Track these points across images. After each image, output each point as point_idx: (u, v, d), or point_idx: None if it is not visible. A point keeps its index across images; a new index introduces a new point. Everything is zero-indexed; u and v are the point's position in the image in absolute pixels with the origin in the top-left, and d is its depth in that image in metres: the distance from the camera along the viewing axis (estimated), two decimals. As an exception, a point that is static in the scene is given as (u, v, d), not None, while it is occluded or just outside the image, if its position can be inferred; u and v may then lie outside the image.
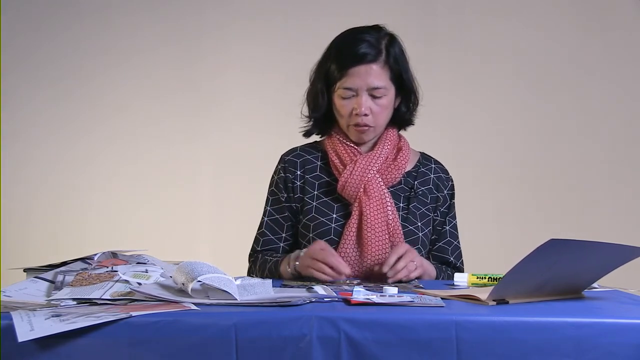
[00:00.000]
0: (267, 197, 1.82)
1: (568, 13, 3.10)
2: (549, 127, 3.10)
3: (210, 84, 3.18)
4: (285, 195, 1.78)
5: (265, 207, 1.81)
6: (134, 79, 3.20)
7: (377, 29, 1.74)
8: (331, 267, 1.50)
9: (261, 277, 1.63)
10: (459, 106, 3.12)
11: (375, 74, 1.68)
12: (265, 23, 3.18)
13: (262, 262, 1.74)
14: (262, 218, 1.81)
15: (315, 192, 1.76)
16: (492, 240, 2.91)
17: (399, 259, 1.55)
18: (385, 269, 1.54)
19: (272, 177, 1.83)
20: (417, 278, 1.60)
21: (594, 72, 3.08)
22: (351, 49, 1.69)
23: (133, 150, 3.19)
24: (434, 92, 3.05)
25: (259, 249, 1.79)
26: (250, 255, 1.81)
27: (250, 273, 1.79)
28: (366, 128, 1.71)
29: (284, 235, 1.77)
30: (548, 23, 3.11)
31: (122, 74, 3.20)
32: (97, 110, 3.20)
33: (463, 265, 1.83)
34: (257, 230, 1.81)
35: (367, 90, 1.68)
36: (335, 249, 1.67)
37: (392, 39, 1.73)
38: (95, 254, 1.36)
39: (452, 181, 1.85)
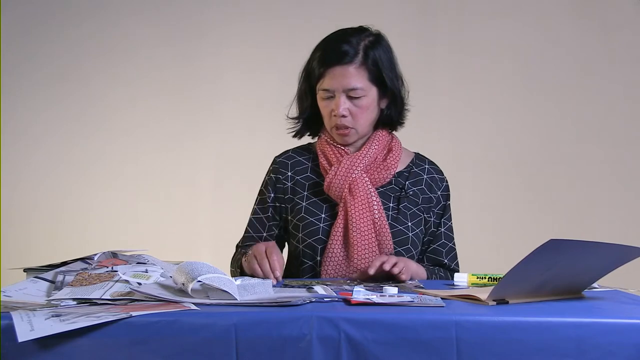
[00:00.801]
0: (257, 196, 1.86)
1: (568, 13, 3.10)
2: (549, 127, 3.10)
3: (210, 84, 3.18)
4: (273, 195, 1.81)
5: (254, 207, 1.86)
6: (134, 79, 3.20)
7: (360, 30, 1.74)
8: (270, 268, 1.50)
9: (234, 271, 1.73)
10: (459, 106, 3.12)
11: (351, 76, 1.68)
12: (266, 23, 3.18)
13: (237, 256, 1.79)
14: (250, 216, 1.85)
15: (305, 193, 1.77)
16: (492, 240, 2.91)
17: (382, 263, 1.54)
18: (371, 271, 1.53)
19: (264, 178, 1.86)
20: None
21: (594, 72, 3.08)
22: (330, 49, 1.71)
23: (133, 150, 3.19)
24: (434, 92, 3.08)
25: (240, 244, 1.85)
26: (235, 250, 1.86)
27: (230, 266, 1.83)
28: (347, 131, 1.72)
29: (264, 234, 1.80)
30: (548, 23, 3.11)
31: (122, 74, 3.20)
32: (97, 110, 3.21)
33: (458, 266, 1.83)
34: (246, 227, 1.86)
35: (344, 92, 1.69)
36: (323, 248, 1.69)
37: (376, 40, 1.73)
38: (95, 254, 1.36)
39: (447, 182, 1.84)
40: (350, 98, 1.70)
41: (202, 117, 3.18)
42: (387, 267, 1.53)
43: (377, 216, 1.69)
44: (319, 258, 1.70)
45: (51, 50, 3.20)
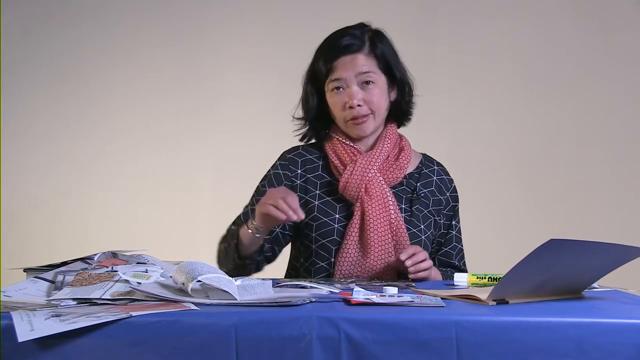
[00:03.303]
0: (258, 187, 1.80)
1: (568, 13, 3.10)
2: (549, 127, 3.10)
3: (210, 84, 3.18)
4: None
5: (252, 197, 1.79)
6: (134, 79, 3.20)
7: (361, 25, 1.76)
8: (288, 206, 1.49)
9: (224, 247, 1.68)
10: (459, 106, 3.12)
11: (361, 62, 1.69)
12: (266, 23, 3.18)
13: (227, 232, 1.73)
14: (246, 206, 1.78)
15: (318, 192, 1.75)
16: (492, 240, 2.91)
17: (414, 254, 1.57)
18: (403, 256, 1.55)
19: (268, 171, 1.81)
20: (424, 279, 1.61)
21: (594, 72, 3.08)
22: (335, 43, 1.72)
23: (133, 150, 3.19)
24: (434, 92, 3.07)
25: (232, 226, 1.77)
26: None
27: (220, 243, 1.76)
28: (364, 119, 1.70)
29: None
30: (548, 23, 3.11)
31: (122, 74, 3.20)
32: (97, 110, 3.21)
33: (466, 266, 1.84)
34: (239, 214, 1.78)
35: (357, 78, 1.69)
36: (338, 249, 1.67)
37: (377, 33, 1.75)
38: (95, 254, 1.36)
39: (454, 183, 1.85)
40: (362, 87, 1.69)
41: (202, 117, 3.18)
42: (409, 262, 1.54)
43: (393, 217, 1.67)
44: (332, 259, 1.68)
45: (51, 50, 3.20)
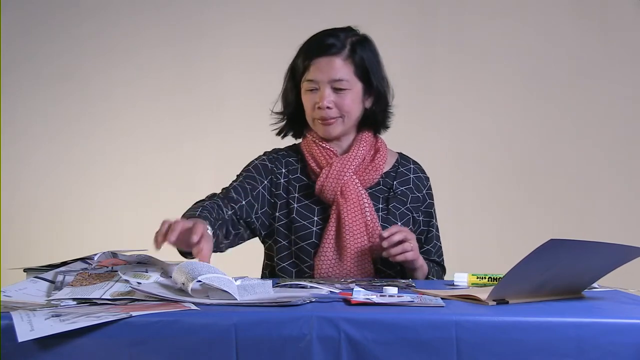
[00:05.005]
0: (241, 172, 1.78)
1: (568, 13, 3.10)
2: (549, 127, 3.10)
3: (210, 84, 3.18)
4: (266, 182, 1.74)
5: (236, 177, 1.76)
6: (134, 79, 3.20)
7: (348, 29, 1.75)
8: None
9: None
10: (459, 106, 3.12)
11: (337, 67, 1.68)
12: (266, 23, 3.18)
13: (197, 206, 1.65)
14: (231, 183, 1.75)
15: (297, 195, 1.75)
16: (492, 240, 2.91)
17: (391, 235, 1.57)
18: (385, 234, 1.56)
19: (252, 162, 1.80)
20: (413, 271, 1.61)
21: (594, 72, 3.08)
22: (316, 42, 1.72)
23: (133, 150, 3.19)
24: (434, 92, 3.07)
25: (218, 192, 1.72)
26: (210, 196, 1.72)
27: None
28: (332, 120, 1.70)
29: (243, 202, 1.68)
30: (548, 23, 3.11)
31: (122, 74, 3.20)
32: (97, 110, 3.21)
33: (444, 262, 1.86)
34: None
35: (329, 83, 1.68)
36: (316, 252, 1.68)
37: (363, 39, 1.74)
38: (95, 254, 1.36)
39: (430, 181, 1.86)
40: (335, 91, 1.69)
41: (202, 117, 3.18)
42: (385, 243, 1.55)
43: (369, 218, 1.68)
44: (311, 262, 1.69)
45: (51, 50, 3.20)
